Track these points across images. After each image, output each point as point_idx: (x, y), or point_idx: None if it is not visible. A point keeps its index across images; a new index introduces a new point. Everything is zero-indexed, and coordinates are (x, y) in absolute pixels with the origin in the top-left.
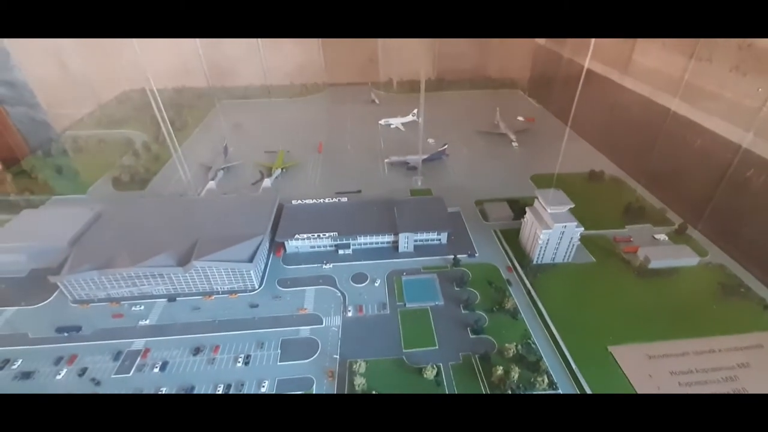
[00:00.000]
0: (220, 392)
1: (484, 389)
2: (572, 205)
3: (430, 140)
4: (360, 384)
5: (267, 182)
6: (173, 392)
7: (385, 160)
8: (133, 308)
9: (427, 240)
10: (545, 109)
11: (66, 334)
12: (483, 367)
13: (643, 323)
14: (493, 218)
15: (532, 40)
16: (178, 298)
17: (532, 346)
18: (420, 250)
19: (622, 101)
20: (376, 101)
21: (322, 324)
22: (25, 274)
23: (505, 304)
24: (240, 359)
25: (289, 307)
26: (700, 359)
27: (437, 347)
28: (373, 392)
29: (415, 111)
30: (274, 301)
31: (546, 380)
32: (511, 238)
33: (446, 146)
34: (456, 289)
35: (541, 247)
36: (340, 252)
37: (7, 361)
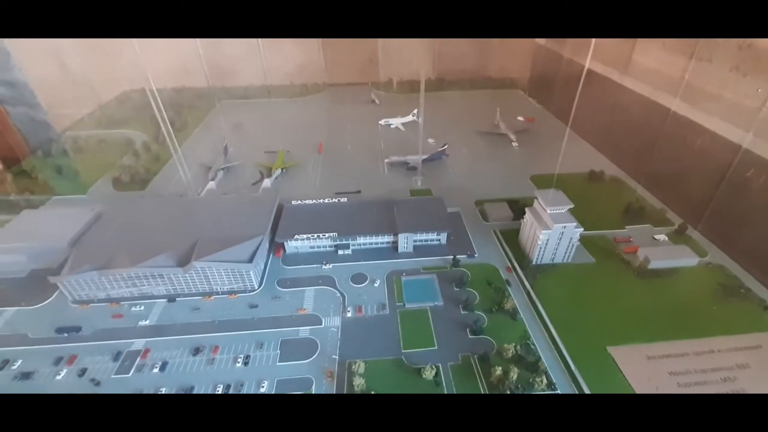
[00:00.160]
0: (219, 392)
1: (483, 390)
2: (572, 206)
3: (430, 140)
4: (359, 384)
5: (267, 182)
6: (173, 392)
7: (385, 161)
8: (133, 308)
9: (427, 240)
10: (545, 109)
11: (66, 335)
12: (482, 368)
13: (643, 324)
14: (493, 218)
15: (533, 40)
16: (177, 299)
17: (531, 346)
18: (419, 250)
19: (622, 101)
20: (376, 101)
21: (321, 324)
22: (26, 275)
23: (505, 304)
24: (239, 359)
25: (288, 308)
26: (700, 360)
27: (436, 348)
28: (372, 392)
29: (415, 111)
30: (274, 301)
31: (545, 381)
32: (511, 238)
33: (446, 146)
34: (455, 289)
35: (540, 248)
36: (340, 252)
37: (6, 362)
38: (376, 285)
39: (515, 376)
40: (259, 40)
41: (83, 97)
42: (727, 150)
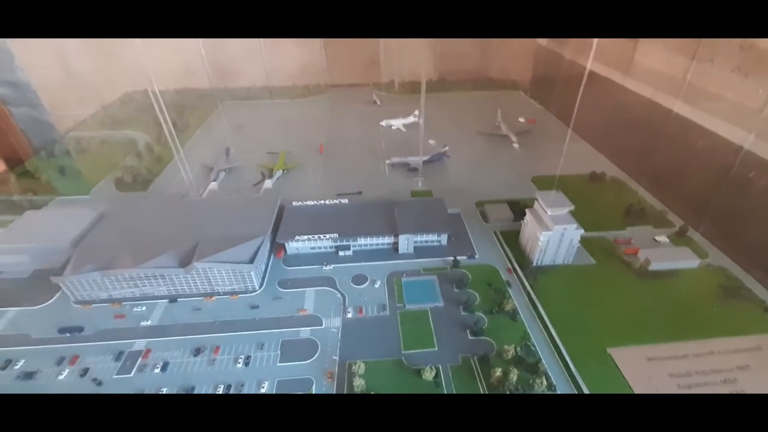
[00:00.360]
0: (220, 392)
1: (483, 391)
2: (572, 207)
3: (431, 141)
4: (359, 385)
5: (268, 183)
6: (174, 392)
7: (386, 162)
8: (135, 309)
9: (427, 241)
10: (546, 111)
11: (68, 335)
12: (482, 369)
13: (643, 325)
14: (494, 220)
15: (534, 41)
16: (179, 299)
17: (531, 347)
18: (420, 251)
19: (623, 102)
20: (378, 102)
21: (321, 325)
22: (28, 275)
23: (505, 305)
24: (240, 360)
25: (289, 308)
26: (700, 361)
27: (436, 349)
28: (372, 393)
29: (416, 112)
30: (275, 302)
31: (545, 382)
32: (512, 239)
33: (447, 147)
34: (456, 290)
35: (541, 249)
36: (341, 253)
37: (9, 362)
38: (376, 286)
39: (515, 378)
40: (262, 40)
41: (86, 98)
42: (729, 151)
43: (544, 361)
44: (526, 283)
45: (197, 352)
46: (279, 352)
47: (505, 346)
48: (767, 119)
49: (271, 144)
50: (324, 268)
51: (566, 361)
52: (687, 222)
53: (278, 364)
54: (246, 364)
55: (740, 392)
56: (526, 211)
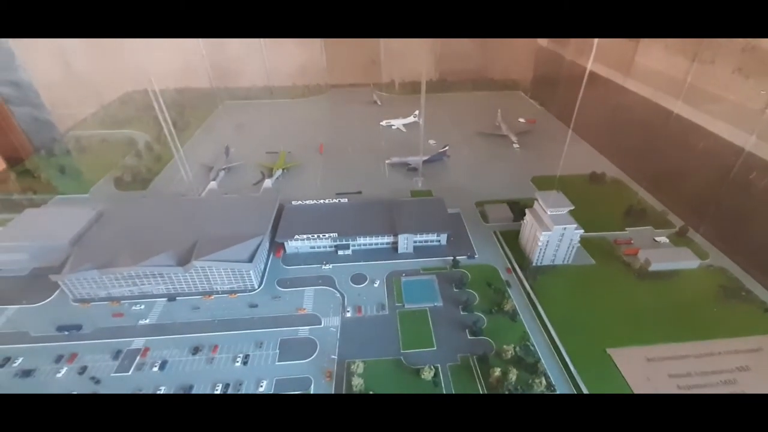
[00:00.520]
0: (218, 391)
1: (482, 390)
2: (572, 207)
3: (431, 141)
4: (358, 384)
5: (268, 183)
6: (172, 391)
7: (386, 161)
8: (133, 307)
9: (427, 241)
10: (547, 111)
11: (66, 333)
12: (481, 369)
13: (643, 326)
14: (493, 220)
15: (535, 41)
16: (177, 298)
17: (531, 347)
18: (419, 251)
19: (624, 103)
20: (378, 102)
21: (320, 324)
22: (27, 273)
23: (504, 305)
24: (239, 359)
25: (288, 308)
26: (700, 362)
27: (435, 348)
28: (371, 392)
29: (417, 112)
30: (274, 301)
31: (544, 382)
32: (511, 239)
33: (447, 147)
34: (455, 290)
35: (540, 249)
36: (340, 253)
37: (8, 359)
38: (375, 285)
39: (514, 378)
40: (262, 40)
41: (86, 98)
42: (730, 152)
43: (543, 361)
44: (526, 283)
45: (196, 350)
46: (278, 351)
47: (505, 346)
48: None
49: (271, 144)
50: (323, 267)
51: (566, 362)
52: (687, 223)
53: (277, 363)
54: (245, 362)
55: (740, 393)
56: (526, 211)
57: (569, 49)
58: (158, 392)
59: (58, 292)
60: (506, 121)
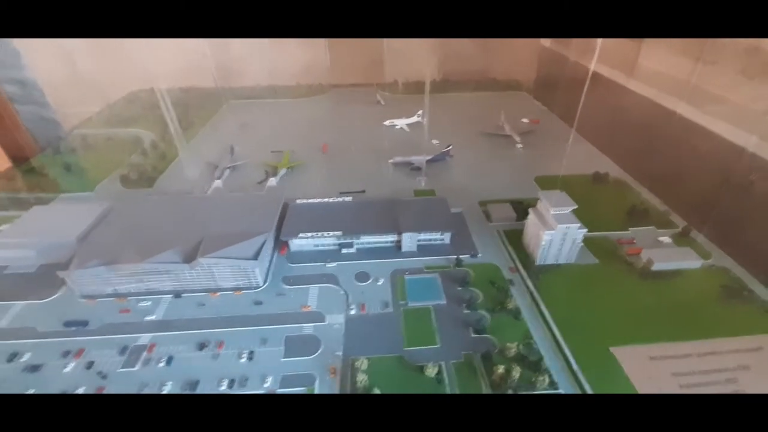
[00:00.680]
0: (224, 387)
1: (485, 388)
2: (575, 207)
3: (435, 141)
4: (362, 381)
5: (272, 181)
6: (178, 386)
7: (390, 161)
8: (140, 304)
9: (430, 240)
10: (550, 112)
11: (73, 329)
12: (484, 366)
13: (646, 325)
14: (497, 219)
15: (538, 42)
16: (183, 295)
17: (534, 346)
18: (423, 249)
19: (627, 104)
20: (382, 102)
21: (325, 321)
22: (34, 270)
23: (507, 304)
24: (244, 355)
25: (292, 305)
26: (702, 361)
27: (439, 346)
28: (375, 391)
29: (420, 112)
30: (278, 298)
31: (547, 380)
32: (514, 238)
33: (450, 147)
34: (458, 288)
35: (543, 248)
36: (344, 251)
37: (15, 354)
38: (379, 283)
39: (517, 375)
40: (266, 40)
41: (92, 96)
42: (733, 153)
43: (546, 359)
44: (529, 282)
45: (202, 346)
46: (282, 347)
47: (508, 344)
48: None
49: (275, 143)
50: (327, 265)
51: (568, 360)
52: (690, 223)
53: (282, 360)
54: (250, 359)
55: (741, 391)
56: (529, 210)
57: (572, 49)
58: (164, 388)
59: (64, 288)
60: (509, 121)
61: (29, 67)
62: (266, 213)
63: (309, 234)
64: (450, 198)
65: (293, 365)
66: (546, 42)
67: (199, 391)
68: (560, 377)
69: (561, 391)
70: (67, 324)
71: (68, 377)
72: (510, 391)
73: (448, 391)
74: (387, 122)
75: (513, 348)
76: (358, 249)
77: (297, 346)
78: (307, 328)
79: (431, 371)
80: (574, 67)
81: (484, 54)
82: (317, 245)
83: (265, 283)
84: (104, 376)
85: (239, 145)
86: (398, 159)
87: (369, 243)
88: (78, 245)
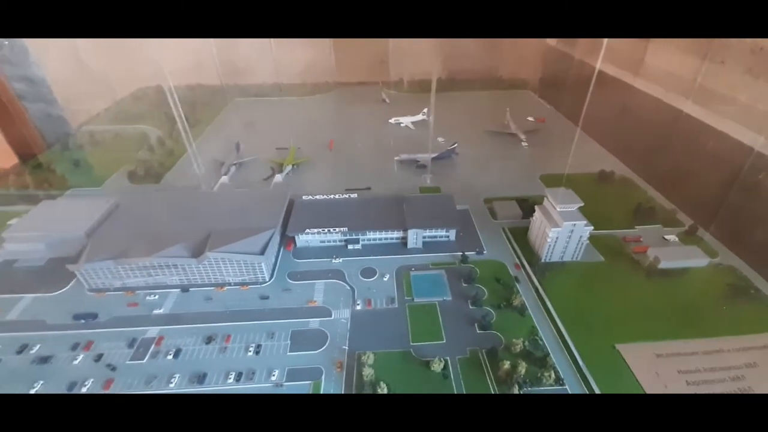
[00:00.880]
0: (231, 380)
1: (491, 383)
2: (582, 204)
3: (440, 139)
4: (368, 375)
5: (278, 178)
6: (186, 379)
7: (395, 158)
8: (148, 297)
9: (436, 237)
10: (556, 110)
11: (83, 321)
12: (490, 362)
13: (652, 322)
14: (502, 216)
15: (543, 41)
16: (191, 289)
17: (540, 342)
18: (428, 246)
19: (633, 103)
20: (387, 100)
21: (331, 316)
22: (44, 263)
23: (513, 300)
24: (251, 348)
25: (298, 300)
26: (708, 359)
27: (444, 341)
28: (379, 390)
29: (426, 110)
30: (285, 293)
31: (553, 376)
32: (520, 236)
33: (456, 145)
34: (464, 285)
35: (549, 245)
36: (350, 247)
37: (26, 346)
38: (385, 279)
39: (523, 371)
40: (272, 39)
41: (100, 93)
42: (740, 152)
43: (552, 355)
44: (534, 279)
45: (209, 340)
46: (289, 341)
47: (514, 340)
48: None
49: (280, 140)
50: (333, 261)
51: (574, 356)
52: (697, 221)
53: (288, 354)
54: (257, 352)
55: (748, 389)
56: (535, 207)
57: (578, 48)
58: (172, 380)
59: (74, 281)
60: (515, 119)
61: (37, 65)
62: (272, 209)
63: (315, 230)
64: (455, 195)
65: (300, 359)
66: (552, 41)
67: (207, 383)
68: (566, 373)
69: (567, 387)
70: (77, 317)
71: (77, 369)
72: (516, 387)
73: (453, 385)
74: (392, 120)
75: (519, 344)
76: (364, 245)
77: (303, 340)
78: (314, 322)
79: (437, 366)
80: (579, 66)
81: (490, 52)
82: (323, 241)
83: (271, 278)
84: (113, 368)
85: (245, 142)
86: (404, 156)
87: (375, 239)
88: (87, 239)
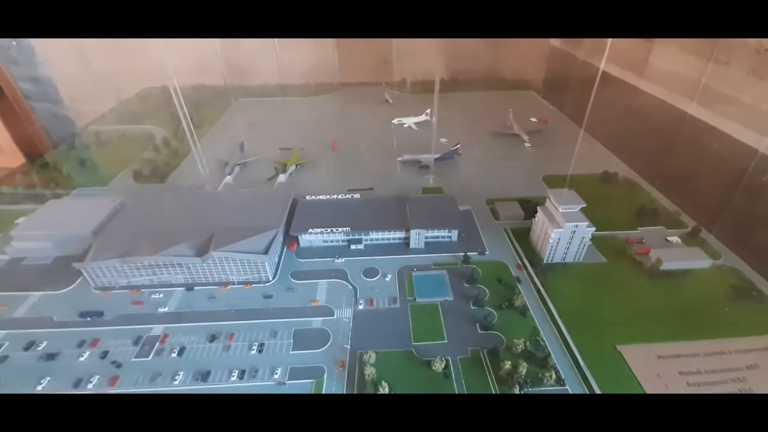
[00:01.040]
0: (234, 377)
1: (492, 383)
2: (584, 205)
3: (443, 140)
4: (370, 374)
5: (282, 178)
6: (190, 376)
7: (398, 159)
8: (153, 296)
9: (438, 237)
10: (559, 111)
11: (89, 319)
12: (491, 362)
13: (654, 324)
14: (504, 217)
15: (547, 42)
16: (195, 287)
17: (541, 342)
18: (431, 246)
19: (637, 104)
20: (390, 101)
21: (333, 316)
22: (51, 261)
23: (515, 301)
24: (254, 347)
25: (301, 299)
26: (710, 360)
27: (446, 341)
28: (380, 389)
29: (428, 111)
30: (288, 292)
31: (554, 376)
32: (522, 237)
33: (458, 146)
34: (466, 285)
35: (551, 246)
36: (353, 247)
37: (33, 343)
38: (387, 279)
39: (524, 371)
40: (275, 40)
41: (105, 93)
42: (744, 154)
43: (553, 355)
44: (536, 280)
45: (213, 338)
46: (291, 340)
47: (515, 340)
48: None
49: (284, 140)
50: (336, 260)
51: (575, 357)
52: (699, 223)
53: (291, 352)
54: (260, 351)
55: (749, 391)
56: (538, 208)
57: (582, 49)
58: (176, 377)
59: (80, 279)
60: (518, 120)
61: (43, 65)
62: (276, 209)
63: (318, 230)
64: (458, 196)
65: (302, 358)
66: (555, 41)
67: (211, 381)
68: (567, 374)
69: (568, 388)
70: (83, 314)
71: (83, 366)
72: (517, 387)
73: (454, 385)
74: (395, 120)
75: (520, 344)
76: (366, 245)
77: (306, 339)
78: (316, 321)
79: (438, 366)
80: (583, 67)
81: (493, 53)
82: (326, 241)
83: (274, 277)
84: (119, 365)
85: (249, 142)
86: (407, 157)
87: (377, 239)
88: (93, 238)
